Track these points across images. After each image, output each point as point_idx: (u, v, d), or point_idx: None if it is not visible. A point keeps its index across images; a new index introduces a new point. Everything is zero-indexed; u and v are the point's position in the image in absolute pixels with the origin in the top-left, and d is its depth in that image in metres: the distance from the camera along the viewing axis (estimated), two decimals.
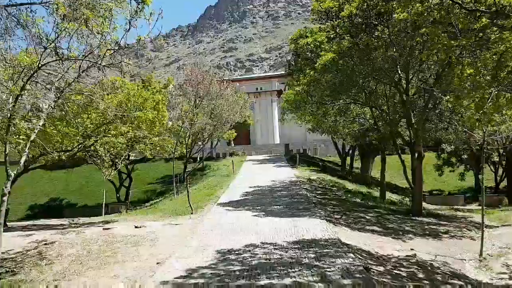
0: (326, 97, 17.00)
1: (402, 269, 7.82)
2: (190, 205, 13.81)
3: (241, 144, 49.99)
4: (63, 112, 13.71)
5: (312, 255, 7.55)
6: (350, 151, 31.88)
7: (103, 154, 19.83)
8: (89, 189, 33.19)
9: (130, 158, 22.29)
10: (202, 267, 7.15)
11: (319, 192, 17.99)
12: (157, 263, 7.97)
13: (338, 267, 6.76)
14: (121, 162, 21.32)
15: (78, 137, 14.08)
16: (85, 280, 7.46)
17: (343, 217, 12.71)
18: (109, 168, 20.64)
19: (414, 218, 14.22)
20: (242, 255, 7.78)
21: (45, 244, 10.47)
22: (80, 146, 14.72)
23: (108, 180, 27.21)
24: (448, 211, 19.22)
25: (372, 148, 24.91)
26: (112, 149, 20.07)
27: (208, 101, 26.86)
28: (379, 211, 15.02)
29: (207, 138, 28.61)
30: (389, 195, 23.63)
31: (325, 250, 7.91)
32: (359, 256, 7.77)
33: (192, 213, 13.60)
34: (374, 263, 7.69)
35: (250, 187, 18.92)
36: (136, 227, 11.57)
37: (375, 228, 11.92)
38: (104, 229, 11.52)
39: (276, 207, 13.60)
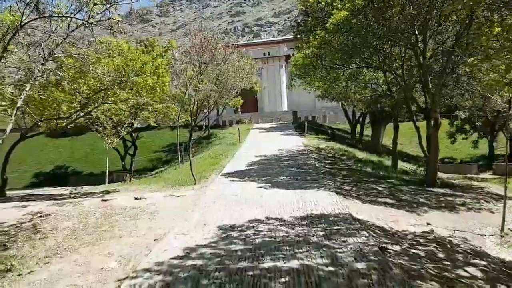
0: (338, 60, 15.92)
1: (420, 247, 7.18)
2: (193, 176, 13.23)
3: (248, 112, 49.08)
4: (58, 77, 13.02)
5: (321, 233, 6.92)
6: (361, 119, 30.91)
7: (105, 122, 19.29)
8: (94, 157, 32.96)
9: (134, 125, 21.66)
10: (201, 245, 6.57)
11: (328, 161, 17.29)
12: (155, 239, 7.42)
13: (351, 248, 6.13)
14: (124, 130, 20.78)
15: (75, 104, 13.39)
16: (77, 258, 6.96)
17: (353, 189, 12.05)
18: (111, 136, 20.15)
19: (428, 189, 13.52)
20: (245, 232, 7.18)
21: (41, 216, 10.00)
22: (78, 113, 14.05)
23: (113, 148, 26.87)
24: (462, 180, 18.49)
25: (384, 115, 23.92)
26: (114, 116, 19.48)
27: (213, 67, 25.82)
28: (392, 182, 14.32)
29: (212, 106, 27.77)
30: (401, 164, 22.89)
31: (335, 227, 7.27)
32: (373, 234, 7.13)
33: (195, 184, 13.04)
34: (389, 241, 7.05)
35: (256, 156, 18.27)
36: (136, 198, 11.05)
37: (388, 200, 11.26)
38: (102, 200, 11.02)
39: (282, 177, 12.96)
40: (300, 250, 6.05)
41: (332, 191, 10.67)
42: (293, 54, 54.31)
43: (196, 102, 26.00)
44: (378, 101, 19.51)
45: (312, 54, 17.12)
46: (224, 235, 7.10)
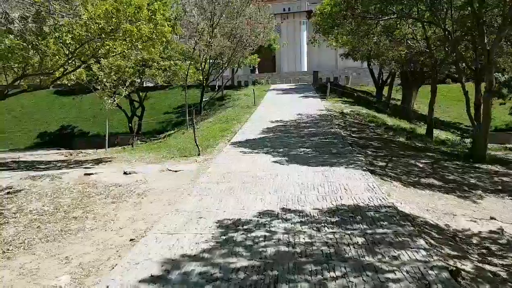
0: (373, 8, 13.23)
1: (495, 260, 5.11)
2: (196, 146, 11.24)
3: (266, 72, 46.28)
4: (37, 25, 10.91)
5: (360, 240, 4.89)
6: (388, 80, 28.06)
7: (104, 79, 17.28)
8: (103, 118, 31.30)
9: (136, 84, 19.59)
10: (189, 256, 4.64)
11: (355, 129, 15.02)
12: (131, 239, 5.54)
13: (407, 271, 4.09)
14: (126, 89, 18.77)
15: (59, 57, 11.32)
16: (26, 262, 5.16)
17: (389, 165, 9.88)
18: (110, 97, 18.20)
19: (476, 165, 11.26)
20: (253, 234, 5.21)
21: (9, 193, 8.27)
22: (64, 68, 12.01)
23: (120, 109, 25.07)
24: (507, 152, 16.05)
25: (417, 76, 21.13)
26: (114, 74, 17.41)
27: (227, 20, 23.17)
28: (432, 156, 12.09)
29: (226, 64, 25.37)
30: (436, 133, 20.44)
31: (378, 230, 5.21)
32: (432, 241, 5.06)
33: (199, 154, 11.08)
34: (454, 252, 4.99)
35: (272, 122, 16.11)
36: (125, 173, 9.17)
37: (433, 181, 9.10)
38: (85, 174, 9.19)
39: (302, 149, 10.85)
40: (332, 275, 4.04)
41: (365, 170, 8.53)
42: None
43: (208, 59, 23.67)
44: (414, 59, 16.79)
45: (342, 1, 14.42)
46: (223, 237, 5.15)
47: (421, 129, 19.51)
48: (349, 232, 5.16)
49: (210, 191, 7.37)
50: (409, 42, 16.90)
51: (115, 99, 17.82)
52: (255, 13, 24.37)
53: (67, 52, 11.35)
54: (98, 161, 11.87)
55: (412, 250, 4.60)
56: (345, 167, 8.77)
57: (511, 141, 21.23)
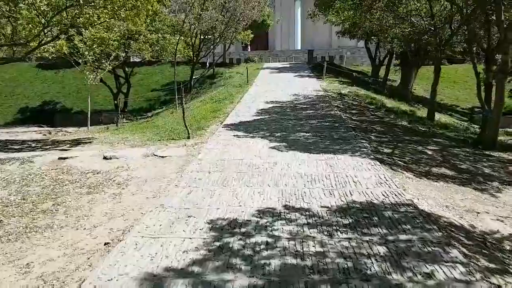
0: None
1: None
2: (186, 128, 10.25)
3: (258, 50, 44.86)
4: None
5: (382, 250, 4.06)
6: (386, 60, 27.09)
7: (86, 52, 16.01)
8: (87, 93, 29.88)
9: (121, 59, 18.29)
10: (174, 270, 3.77)
11: (355, 111, 14.15)
12: (106, 243, 4.63)
13: None
14: (109, 64, 17.50)
15: (33, 25, 10.10)
16: None
17: (395, 152, 9.07)
18: (93, 72, 16.96)
19: (487, 153, 10.53)
20: (253, 239, 4.34)
21: None
22: (41, 37, 10.78)
23: (105, 85, 23.77)
24: None
25: (417, 56, 20.19)
26: (97, 47, 16.15)
27: None
28: (438, 142, 11.31)
29: (218, 39, 24.05)
30: (437, 116, 19.71)
31: (401, 237, 4.39)
32: (464, 250, 4.26)
33: (188, 138, 10.11)
34: (492, 264, 4.20)
35: (267, 103, 15.14)
36: (105, 158, 8.20)
37: (445, 171, 8.33)
38: (60, 158, 8.19)
39: (302, 134, 9.95)
40: None
41: (373, 159, 7.70)
42: None
43: (199, 34, 22.35)
44: (419, 37, 15.81)
45: None
46: (217, 243, 4.27)
47: (421, 112, 18.73)
48: (367, 238, 4.33)
49: (200, 182, 6.46)
50: (413, 19, 15.86)
51: (98, 74, 16.59)
52: None
53: (43, 20, 10.12)
54: (77, 142, 10.83)
55: (447, 264, 3.79)
56: (351, 155, 7.92)
57: None
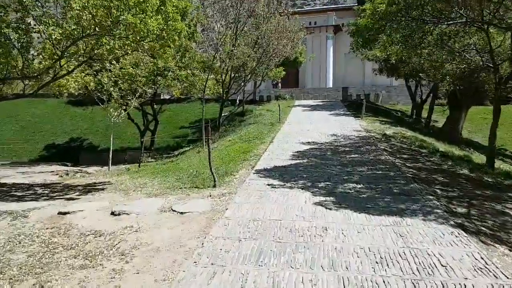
0: (433, 10, 10.65)
1: None
2: (212, 174, 8.74)
3: (288, 87, 43.92)
4: (19, 14, 8.81)
5: None
6: (429, 99, 25.21)
7: (111, 88, 15.15)
8: (115, 130, 29.40)
9: (148, 95, 17.36)
10: None
11: (406, 156, 12.29)
12: None
13: None
14: (134, 100, 16.57)
15: (44, 56, 9.15)
16: None
17: (472, 213, 7.13)
18: (117, 108, 16.04)
19: None
20: None
21: None
22: (54, 70, 9.81)
23: (132, 122, 23.05)
24: None
25: (469, 95, 18.26)
26: (123, 83, 15.29)
27: (252, 27, 20.96)
28: None
29: (249, 76, 23.05)
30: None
31: None
32: None
33: (214, 185, 8.57)
34: None
35: (303, 144, 13.55)
36: (113, 213, 6.72)
37: None
38: (59, 213, 6.78)
39: (351, 185, 8.20)
40: None
41: (453, 225, 5.84)
42: (343, 25, 48.54)
43: (229, 71, 21.42)
44: (476, 75, 14.03)
45: (388, 3, 11.89)
46: None
47: (476, 157, 16.58)
48: None
49: (227, 256, 4.81)
50: (466, 55, 14.13)
51: (122, 111, 15.63)
52: (284, 21, 22.07)
53: (58, 52, 9.14)
54: (88, 189, 9.49)
55: None
56: (423, 219, 6.09)
57: None
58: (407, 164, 10.84)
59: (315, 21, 48.96)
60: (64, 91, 15.49)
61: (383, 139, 14.74)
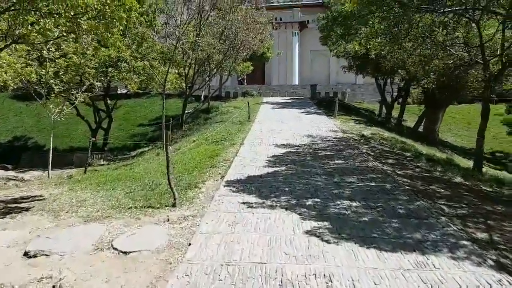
0: None
1: None
2: (172, 190, 6.89)
3: (254, 84, 42.30)
4: None
5: None
6: (400, 98, 24.43)
7: (52, 81, 12.85)
8: (64, 128, 26.55)
9: (96, 89, 15.10)
10: None
11: (392, 161, 10.98)
12: None
13: None
14: (80, 95, 14.28)
15: None
16: None
17: (495, 239, 5.78)
18: (59, 104, 13.73)
19: None
20: None
21: None
22: None
23: (82, 119, 20.61)
24: None
25: (448, 94, 17.37)
26: (66, 74, 13.03)
27: (217, 17, 19.10)
28: None
29: (215, 70, 21.15)
30: (468, 163, 16.66)
31: None
32: None
33: (174, 204, 6.73)
34: None
35: (278, 146, 11.94)
36: (27, 254, 4.76)
37: None
38: None
39: (345, 203, 6.63)
40: None
41: (494, 266, 4.41)
42: (308, 22, 47.50)
43: (193, 64, 19.44)
44: (460, 72, 12.98)
45: None
46: None
47: (458, 160, 15.72)
48: None
49: None
50: (451, 49, 13.05)
51: (65, 107, 13.33)
52: (252, 12, 20.36)
53: None
54: (10, 208, 7.35)
55: None
56: (451, 257, 4.61)
57: None
58: (398, 172, 9.48)
59: (281, 17, 47.53)
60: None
61: (362, 141, 13.41)
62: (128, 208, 6.83)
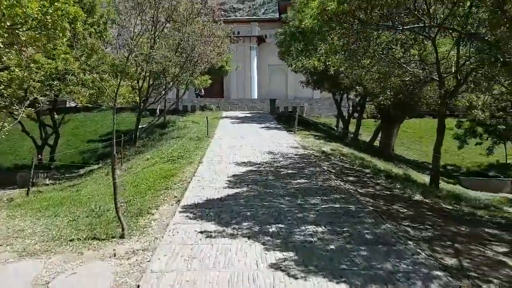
0: (380, 15, 9.38)
1: None
2: (120, 220, 6.18)
3: (212, 97, 41.79)
4: None
5: None
6: (356, 113, 24.88)
7: None
8: (8, 145, 24.60)
9: (41, 104, 13.93)
10: None
11: (353, 179, 10.85)
12: None
13: None
14: (23, 110, 13.06)
15: None
16: None
17: (465, 265, 5.61)
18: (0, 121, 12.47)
19: None
20: None
21: None
22: None
23: (27, 135, 19.10)
24: None
25: (402, 109, 17.80)
26: (7, 89, 11.90)
27: (173, 28, 18.51)
28: (492, 233, 8.06)
29: (171, 83, 20.44)
30: (423, 178, 17.07)
31: None
32: None
33: (123, 235, 6.03)
34: None
35: (238, 165, 11.47)
36: None
37: None
38: None
39: (310, 228, 6.24)
40: None
41: None
42: (266, 36, 47.98)
43: (147, 76, 18.65)
44: (416, 89, 13.26)
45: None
46: None
47: (413, 175, 16.00)
48: None
49: None
50: (407, 67, 13.32)
51: (6, 124, 12.11)
52: (209, 24, 19.96)
53: None
54: None
55: None
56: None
57: (505, 189, 18.31)
58: (359, 190, 9.30)
59: (239, 30, 47.58)
60: None
61: (323, 157, 13.27)
62: (70, 240, 6.03)
